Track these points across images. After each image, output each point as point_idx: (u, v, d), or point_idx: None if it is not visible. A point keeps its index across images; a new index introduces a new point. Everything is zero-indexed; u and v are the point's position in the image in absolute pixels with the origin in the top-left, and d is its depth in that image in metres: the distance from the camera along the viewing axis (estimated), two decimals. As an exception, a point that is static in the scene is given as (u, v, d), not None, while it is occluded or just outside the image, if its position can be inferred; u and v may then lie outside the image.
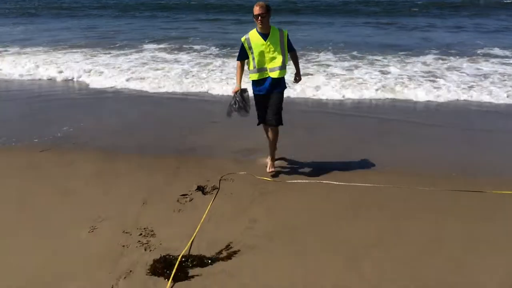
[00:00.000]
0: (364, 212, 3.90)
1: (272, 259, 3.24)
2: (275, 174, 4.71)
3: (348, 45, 12.38)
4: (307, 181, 4.53)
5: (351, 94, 7.90)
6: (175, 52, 12.24)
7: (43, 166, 5.01)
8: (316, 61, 10.48)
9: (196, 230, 3.57)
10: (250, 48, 4.56)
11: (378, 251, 3.32)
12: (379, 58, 10.66)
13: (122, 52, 12.30)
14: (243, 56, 4.66)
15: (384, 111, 7.08)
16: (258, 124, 4.83)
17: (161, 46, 13.15)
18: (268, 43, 4.50)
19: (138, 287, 2.96)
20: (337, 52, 11.53)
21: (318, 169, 4.80)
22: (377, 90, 8.00)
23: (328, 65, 9.99)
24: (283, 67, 4.58)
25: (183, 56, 11.58)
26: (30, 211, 3.98)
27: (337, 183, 4.44)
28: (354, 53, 11.29)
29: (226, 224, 3.72)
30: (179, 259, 3.16)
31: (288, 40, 4.61)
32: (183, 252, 3.28)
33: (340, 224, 3.70)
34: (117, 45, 13.47)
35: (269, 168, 4.77)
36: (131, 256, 3.29)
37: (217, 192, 4.28)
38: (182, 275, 3.04)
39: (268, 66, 4.56)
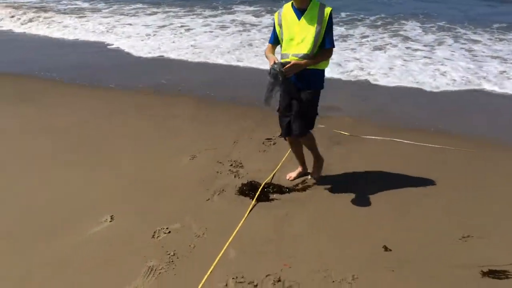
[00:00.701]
0: (426, 170, 4.26)
1: (337, 199, 3.75)
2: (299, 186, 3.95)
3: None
4: (380, 138, 4.92)
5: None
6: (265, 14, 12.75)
7: (152, 107, 5.90)
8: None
9: (278, 166, 4.18)
10: (280, 26, 3.59)
11: (429, 200, 3.72)
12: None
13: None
14: (274, 37, 3.70)
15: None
16: (284, 138, 3.90)
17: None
18: (303, 21, 3.48)
19: (228, 201, 3.64)
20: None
21: (393, 131, 5.15)
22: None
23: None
24: (309, 56, 3.45)
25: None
26: (143, 141, 4.84)
27: (408, 142, 4.78)
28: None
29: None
30: (262, 185, 3.80)
31: (329, 23, 3.46)
32: (266, 180, 3.92)
33: (401, 178, 4.12)
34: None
35: (293, 174, 4.07)
36: (223, 180, 3.99)
37: (298, 140, 4.85)
38: (264, 197, 3.68)
39: (292, 51, 3.52)
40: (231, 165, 4.27)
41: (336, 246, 3.11)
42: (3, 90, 6.65)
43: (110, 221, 3.39)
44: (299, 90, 3.58)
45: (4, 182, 3.98)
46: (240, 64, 8.19)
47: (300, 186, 3.91)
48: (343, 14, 12.36)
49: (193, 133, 5.04)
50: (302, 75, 3.51)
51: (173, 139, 4.86)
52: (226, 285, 2.73)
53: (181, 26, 11.36)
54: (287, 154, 4.44)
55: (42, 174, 4.12)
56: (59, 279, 2.80)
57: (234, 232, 3.21)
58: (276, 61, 3.43)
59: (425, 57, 8.29)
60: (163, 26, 11.39)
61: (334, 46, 3.56)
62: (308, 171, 4.13)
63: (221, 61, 8.37)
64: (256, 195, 3.65)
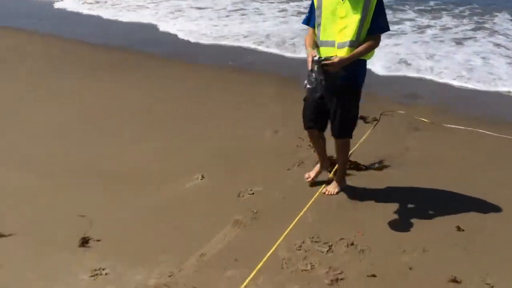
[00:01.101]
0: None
1: (414, 180, 3.86)
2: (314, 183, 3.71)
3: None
4: (462, 127, 4.91)
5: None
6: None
7: (241, 84, 6.31)
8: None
9: (357, 145, 4.36)
10: (319, 7, 3.15)
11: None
12: None
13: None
14: (310, 19, 3.29)
15: None
16: (305, 128, 3.57)
17: None
18: (347, 3, 3.04)
19: (306, 172, 3.91)
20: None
21: (476, 123, 5.09)
22: None
23: None
24: (354, 44, 3.06)
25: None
26: (233, 113, 5.24)
27: (493, 133, 4.73)
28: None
29: (381, 146, 4.42)
30: (340, 160, 4.02)
31: (378, 7, 3.03)
32: (344, 157, 4.12)
33: (481, 167, 4.13)
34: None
35: (311, 173, 3.76)
36: (303, 153, 4.26)
37: (377, 123, 4.97)
38: (341, 172, 3.91)
39: (338, 39, 3.10)
40: (311, 140, 4.52)
41: (410, 221, 3.26)
42: (122, 63, 7.36)
43: (201, 179, 3.79)
44: (338, 86, 3.17)
45: (123, 142, 4.56)
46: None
47: (376, 165, 4.07)
48: (431, 3, 11.95)
49: (277, 110, 5.34)
50: (345, 68, 3.07)
51: (259, 114, 5.20)
52: (303, 242, 3.00)
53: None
54: (366, 134, 4.59)
55: (154, 139, 4.63)
56: (159, 222, 3.24)
57: (313, 199, 3.47)
58: (315, 57, 3.02)
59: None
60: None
61: (385, 30, 3.16)
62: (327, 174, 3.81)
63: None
64: (334, 169, 3.87)
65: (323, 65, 2.99)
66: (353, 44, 3.07)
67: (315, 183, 3.71)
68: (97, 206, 3.38)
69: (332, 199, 3.53)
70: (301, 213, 3.28)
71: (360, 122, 4.95)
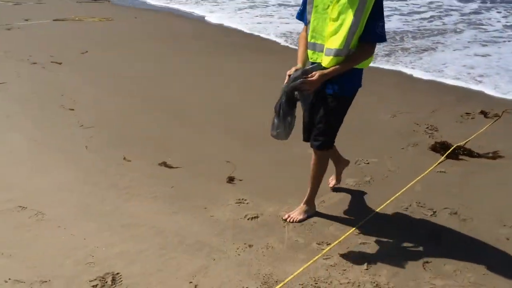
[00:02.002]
0: None
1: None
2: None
3: None
4: None
5: None
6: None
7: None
8: None
9: (474, 135, 4.60)
10: (310, 2, 2.81)
11: None
12: None
13: None
14: (302, 14, 2.96)
15: None
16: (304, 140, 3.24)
17: None
18: (340, 1, 2.65)
19: (420, 153, 4.29)
20: None
21: None
22: None
23: None
24: (342, 53, 2.70)
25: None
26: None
27: None
28: None
29: (498, 140, 4.59)
30: (454, 146, 4.33)
31: (375, 9, 2.62)
32: (460, 144, 4.41)
33: None
34: None
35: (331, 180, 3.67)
36: (418, 137, 4.64)
37: (497, 119, 5.10)
38: (453, 156, 4.23)
39: (327, 43, 2.75)
40: (427, 127, 4.86)
41: (514, 205, 3.53)
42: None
43: (324, 147, 4.41)
44: (324, 95, 2.90)
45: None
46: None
47: (490, 155, 4.30)
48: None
49: (396, 97, 5.74)
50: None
51: (378, 100, 5.65)
52: (410, 205, 3.46)
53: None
54: (485, 128, 4.79)
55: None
56: (284, 171, 3.93)
57: (423, 174, 3.88)
58: (298, 70, 2.78)
59: None
60: None
61: (381, 40, 2.73)
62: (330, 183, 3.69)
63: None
64: (447, 152, 4.21)
65: (293, 87, 2.72)
66: (339, 54, 2.70)
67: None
68: (240, 155, 4.17)
69: (441, 176, 3.90)
70: (412, 182, 3.71)
71: (480, 117, 5.17)
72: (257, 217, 3.26)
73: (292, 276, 2.64)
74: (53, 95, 5.37)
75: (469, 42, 8.79)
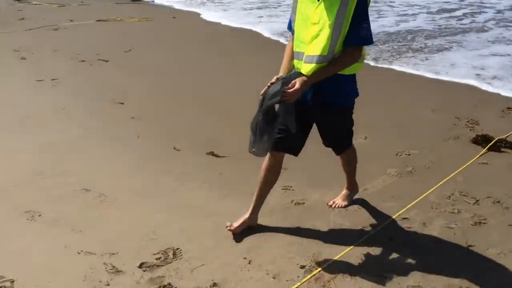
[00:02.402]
0: None
1: None
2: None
3: None
4: None
5: None
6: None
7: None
8: None
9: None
10: (294, 10, 2.68)
11: None
12: None
13: None
14: (290, 23, 2.77)
15: None
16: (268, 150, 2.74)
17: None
18: (322, 5, 2.48)
19: (461, 146, 4.35)
20: None
21: None
22: None
23: None
24: (325, 60, 2.51)
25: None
26: (397, 96, 5.84)
27: None
28: None
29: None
30: (495, 139, 4.37)
31: (358, 10, 2.45)
32: (502, 136, 4.43)
33: None
34: None
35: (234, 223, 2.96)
36: (459, 131, 4.69)
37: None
38: (495, 148, 4.27)
39: (307, 50, 2.55)
40: (468, 121, 4.90)
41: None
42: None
43: (364, 139, 4.52)
44: (320, 108, 2.73)
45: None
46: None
47: (535, 149, 4.32)
48: None
49: (436, 92, 5.80)
50: (317, 87, 2.60)
51: (418, 98, 5.73)
52: (453, 194, 3.54)
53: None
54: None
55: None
56: (327, 158, 4.06)
57: (465, 165, 3.95)
58: (279, 78, 2.56)
59: None
60: None
61: (367, 42, 2.54)
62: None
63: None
64: (490, 145, 4.25)
65: (271, 105, 2.49)
66: (322, 61, 2.50)
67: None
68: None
69: (482, 167, 3.96)
70: (455, 172, 3.79)
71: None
72: (303, 203, 3.41)
73: (340, 255, 2.78)
74: (102, 90, 5.67)
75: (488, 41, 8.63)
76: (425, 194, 3.49)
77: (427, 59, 7.44)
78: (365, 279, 2.58)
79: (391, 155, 4.21)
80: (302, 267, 2.67)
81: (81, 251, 2.73)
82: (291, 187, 3.62)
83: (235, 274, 2.57)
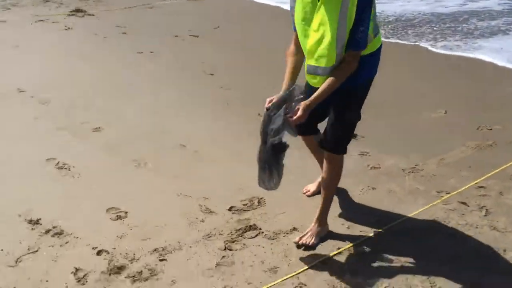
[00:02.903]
0: None
1: None
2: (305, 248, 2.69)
3: None
4: None
5: None
6: None
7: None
8: None
9: None
10: (292, 9, 2.40)
11: None
12: None
13: None
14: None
15: None
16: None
17: None
18: (321, 9, 2.22)
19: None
20: None
21: None
22: None
23: None
24: (331, 69, 2.29)
25: None
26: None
27: None
28: None
29: None
30: None
31: (358, 14, 2.17)
32: None
33: None
34: None
35: (311, 187, 3.15)
36: None
37: None
38: None
39: (308, 59, 2.37)
40: None
41: None
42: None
43: (445, 113, 4.56)
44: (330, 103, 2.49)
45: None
46: None
47: None
48: None
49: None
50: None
51: (503, 75, 5.57)
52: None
53: None
54: None
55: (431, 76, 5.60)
56: (412, 134, 4.19)
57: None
58: (278, 100, 2.38)
59: None
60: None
61: (359, 47, 2.28)
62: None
63: None
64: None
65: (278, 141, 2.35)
66: (328, 72, 2.30)
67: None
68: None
69: None
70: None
71: None
72: (379, 167, 3.60)
73: (413, 213, 2.97)
74: (194, 62, 6.15)
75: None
76: (504, 166, 3.52)
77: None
78: (435, 239, 2.76)
79: (471, 129, 4.22)
80: (376, 221, 2.90)
81: (180, 193, 3.18)
82: (367, 153, 3.82)
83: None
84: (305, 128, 2.68)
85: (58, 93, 4.94)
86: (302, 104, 2.28)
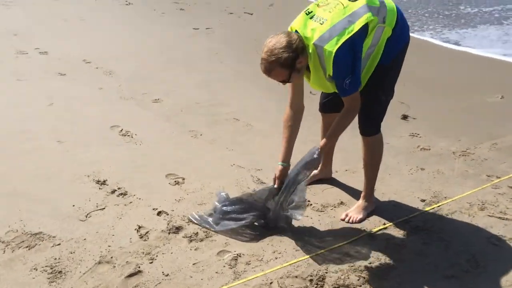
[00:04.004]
0: None
1: None
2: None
3: None
4: None
5: None
6: None
7: None
8: None
9: None
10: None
11: None
12: None
13: None
14: None
15: None
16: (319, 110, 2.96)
17: None
18: (312, 75, 2.42)
19: None
20: None
21: None
22: None
23: None
24: None
25: None
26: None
27: None
28: None
29: None
30: None
31: (336, 70, 2.23)
32: None
33: None
34: None
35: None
36: None
37: None
38: None
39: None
40: None
41: None
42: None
43: (501, 98, 4.47)
44: None
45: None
46: None
47: None
48: None
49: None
50: None
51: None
52: None
53: None
54: None
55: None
56: (463, 116, 4.14)
57: None
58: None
59: None
60: None
61: (350, 91, 2.31)
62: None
63: None
64: None
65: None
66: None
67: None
68: (414, 99, 4.50)
69: None
70: None
71: None
72: (429, 149, 3.62)
73: (461, 195, 3.00)
74: (248, 39, 6.29)
75: None
76: (561, 154, 3.45)
77: None
78: (482, 219, 2.78)
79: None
80: (422, 200, 2.96)
81: (233, 164, 3.36)
82: (418, 134, 3.83)
83: (359, 196, 2.94)
84: (329, 105, 2.78)
85: (121, 65, 5.23)
86: (319, 154, 2.42)
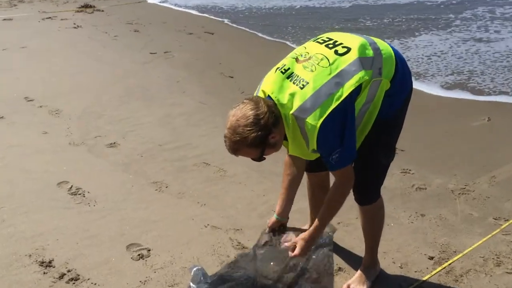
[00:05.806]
0: None
1: None
2: None
3: None
4: None
5: None
6: None
7: None
8: None
9: None
10: None
11: None
12: None
13: None
14: None
15: None
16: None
17: None
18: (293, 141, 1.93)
19: None
20: None
21: None
22: None
23: None
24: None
25: None
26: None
27: None
28: None
29: None
30: None
31: (321, 146, 1.81)
32: None
33: None
34: None
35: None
36: None
37: None
38: None
39: None
40: None
41: None
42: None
43: (488, 121, 4.20)
44: None
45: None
46: None
47: None
48: None
49: None
50: None
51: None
52: None
53: None
54: None
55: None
56: (447, 146, 3.81)
57: None
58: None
59: None
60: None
61: (336, 168, 1.89)
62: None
63: None
64: None
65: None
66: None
67: None
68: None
69: None
70: None
71: None
72: (425, 188, 3.25)
73: (472, 247, 2.62)
74: (212, 62, 5.81)
75: None
76: None
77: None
78: (501, 277, 2.41)
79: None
80: (431, 258, 2.55)
81: (208, 224, 2.85)
82: (410, 170, 3.46)
83: (358, 258, 2.51)
84: (315, 163, 2.12)
85: (69, 102, 4.63)
86: (300, 243, 1.98)
